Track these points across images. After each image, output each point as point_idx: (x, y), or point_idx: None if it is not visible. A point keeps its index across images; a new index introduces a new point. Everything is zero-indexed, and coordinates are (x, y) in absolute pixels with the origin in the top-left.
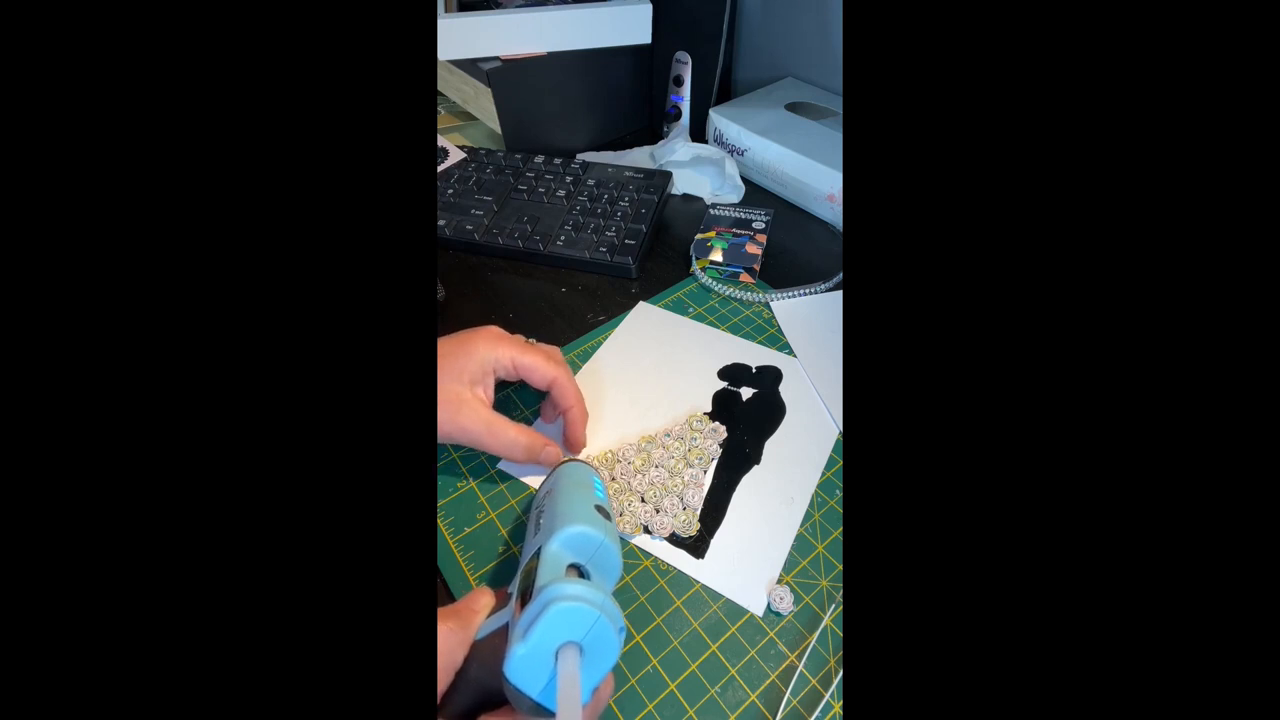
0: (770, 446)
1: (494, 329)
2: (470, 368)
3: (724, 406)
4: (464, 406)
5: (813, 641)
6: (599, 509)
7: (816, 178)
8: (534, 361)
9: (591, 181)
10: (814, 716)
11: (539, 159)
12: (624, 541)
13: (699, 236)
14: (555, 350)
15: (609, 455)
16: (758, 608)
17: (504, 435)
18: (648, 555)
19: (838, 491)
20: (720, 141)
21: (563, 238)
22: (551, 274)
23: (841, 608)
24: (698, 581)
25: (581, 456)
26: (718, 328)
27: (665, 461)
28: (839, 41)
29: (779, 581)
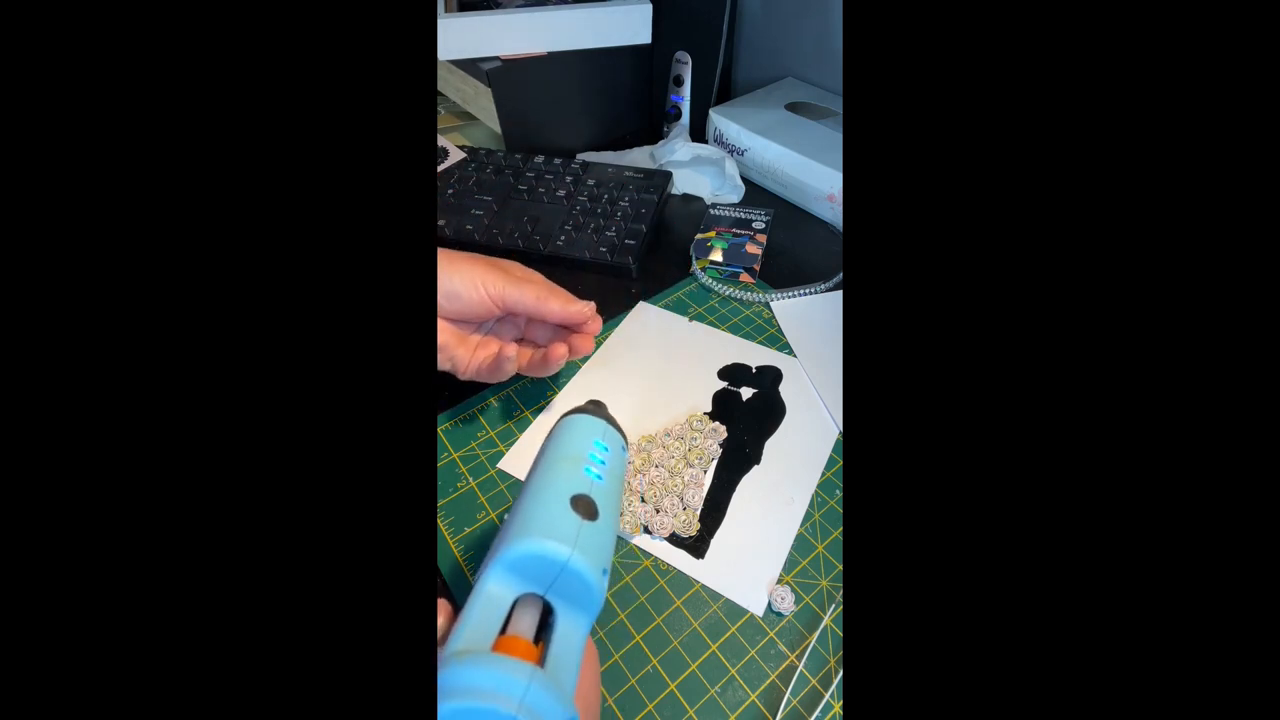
0: (770, 446)
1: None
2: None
3: (724, 406)
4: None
5: (813, 641)
6: (577, 501)
7: (816, 178)
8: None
9: (591, 181)
10: (814, 716)
11: (539, 159)
12: (623, 542)
13: (699, 236)
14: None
15: None
16: (758, 608)
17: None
18: (648, 555)
19: (838, 491)
20: (720, 141)
21: (563, 238)
22: (551, 274)
23: (841, 608)
24: (698, 581)
25: None
26: (718, 328)
27: (665, 461)
28: (839, 41)
29: (779, 581)
